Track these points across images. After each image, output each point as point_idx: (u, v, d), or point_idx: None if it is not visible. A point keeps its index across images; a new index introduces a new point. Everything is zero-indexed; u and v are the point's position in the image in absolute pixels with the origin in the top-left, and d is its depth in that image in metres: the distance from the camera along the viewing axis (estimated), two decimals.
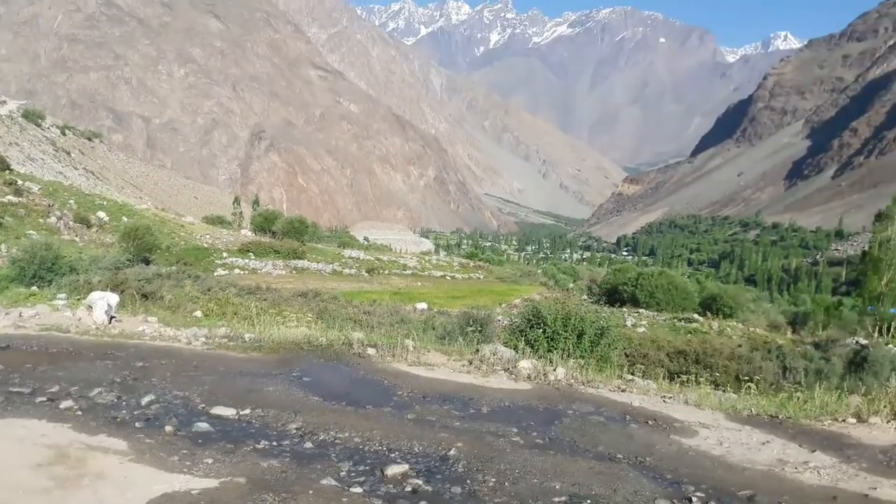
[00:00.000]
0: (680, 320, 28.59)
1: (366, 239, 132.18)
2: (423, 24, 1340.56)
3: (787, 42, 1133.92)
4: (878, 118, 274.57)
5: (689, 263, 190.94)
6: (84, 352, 8.77)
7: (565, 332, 10.23)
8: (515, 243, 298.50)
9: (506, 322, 16.01)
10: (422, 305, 24.94)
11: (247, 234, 52.31)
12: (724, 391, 11.20)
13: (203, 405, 6.60)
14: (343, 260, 45.56)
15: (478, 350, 9.65)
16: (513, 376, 8.56)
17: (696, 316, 30.63)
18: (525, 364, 8.71)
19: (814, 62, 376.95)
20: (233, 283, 23.53)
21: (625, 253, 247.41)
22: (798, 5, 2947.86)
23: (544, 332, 10.41)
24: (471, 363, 9.11)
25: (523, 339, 10.46)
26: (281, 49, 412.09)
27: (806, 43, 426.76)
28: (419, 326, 16.67)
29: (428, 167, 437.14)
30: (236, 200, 79.28)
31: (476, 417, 6.78)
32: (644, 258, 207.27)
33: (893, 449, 6.35)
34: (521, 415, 6.95)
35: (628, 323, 25.89)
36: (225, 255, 39.65)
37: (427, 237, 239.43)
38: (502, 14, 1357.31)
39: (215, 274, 31.10)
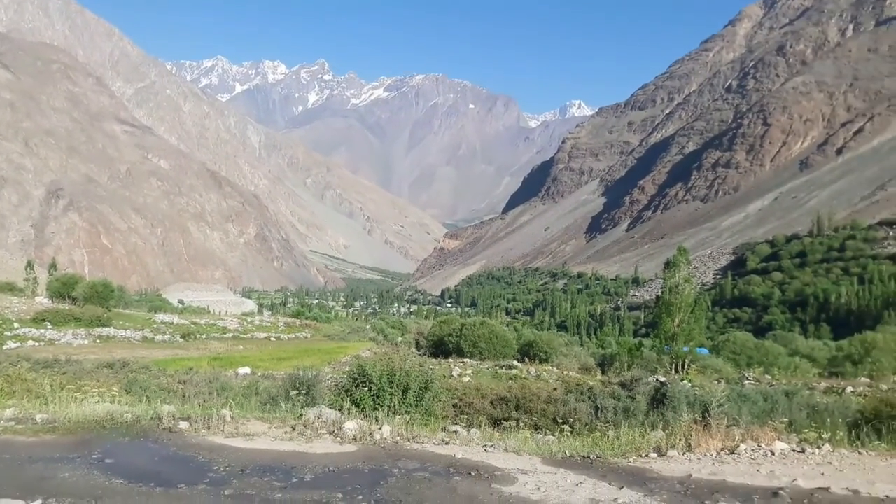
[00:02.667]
0: (501, 367, 29.63)
1: (180, 302, 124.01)
2: (238, 82, 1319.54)
3: (581, 109, 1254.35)
4: (661, 177, 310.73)
5: (508, 312, 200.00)
6: None
7: (390, 388, 10.24)
8: (343, 300, 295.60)
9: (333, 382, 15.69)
10: (244, 370, 23.83)
11: (42, 301, 47.24)
12: (544, 434, 11.75)
13: None
14: (155, 325, 42.59)
15: (301, 415, 9.35)
16: (338, 439, 8.37)
17: (515, 362, 31.93)
18: (350, 425, 8.58)
19: (604, 128, 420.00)
20: (26, 357, 21.12)
21: (449, 305, 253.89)
22: (589, 77, 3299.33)
23: (370, 390, 10.35)
24: (294, 429, 8.79)
25: (349, 398, 10.31)
26: (81, 103, 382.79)
27: (597, 111, 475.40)
28: (241, 393, 15.90)
29: (248, 224, 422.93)
30: (29, 265, 71.24)
31: (299, 486, 6.53)
32: (467, 309, 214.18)
33: (689, 479, 6.96)
34: (346, 479, 6.80)
35: (454, 373, 26.39)
36: (16, 325, 35.59)
37: (249, 297, 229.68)
38: (319, 76, 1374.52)
39: (5, 347, 27.78)
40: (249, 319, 57.89)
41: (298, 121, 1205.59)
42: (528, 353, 36.58)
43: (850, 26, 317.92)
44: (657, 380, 20.21)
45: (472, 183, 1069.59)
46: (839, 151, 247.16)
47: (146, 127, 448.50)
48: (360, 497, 6.19)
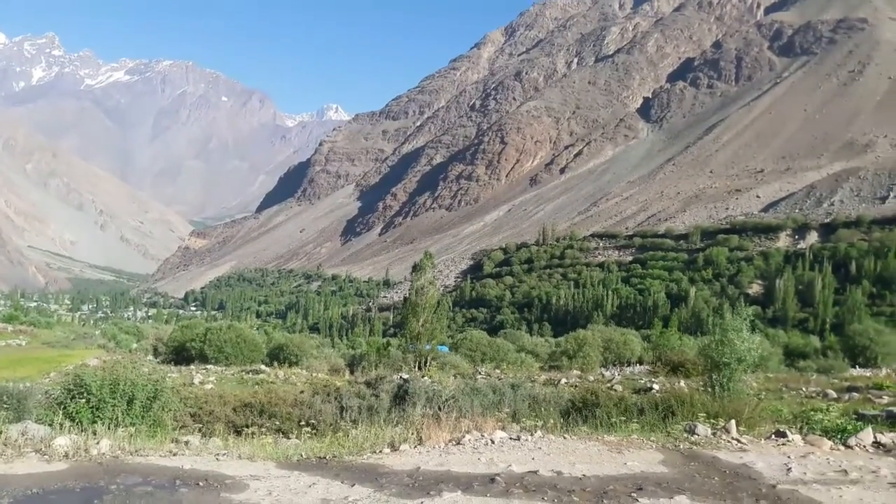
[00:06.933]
0: (248, 372, 28.79)
1: None
2: None
3: (339, 114, 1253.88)
4: (412, 185, 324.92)
5: (258, 315, 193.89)
6: None
7: (113, 399, 9.40)
8: (69, 302, 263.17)
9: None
10: None
11: None
12: (288, 438, 11.64)
13: None
14: None
15: (1, 432, 8.19)
16: (46, 457, 7.48)
17: (263, 367, 31.20)
18: (62, 441, 7.71)
19: (360, 134, 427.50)
20: None
21: (193, 308, 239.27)
22: (346, 83, 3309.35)
23: (88, 401, 9.39)
24: None
25: (62, 411, 9.26)
26: None
27: (353, 116, 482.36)
28: None
29: None
30: None
31: None
32: (214, 313, 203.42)
33: (417, 471, 7.33)
34: (53, 500, 6.12)
35: (196, 381, 24.97)
36: None
37: None
38: (48, 50, 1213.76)
39: None
40: None
41: (19, 98, 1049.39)
42: (278, 356, 36.04)
43: (576, 60, 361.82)
44: (401, 377, 21.02)
45: (223, 179, 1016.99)
46: (562, 171, 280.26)
47: None
48: None
